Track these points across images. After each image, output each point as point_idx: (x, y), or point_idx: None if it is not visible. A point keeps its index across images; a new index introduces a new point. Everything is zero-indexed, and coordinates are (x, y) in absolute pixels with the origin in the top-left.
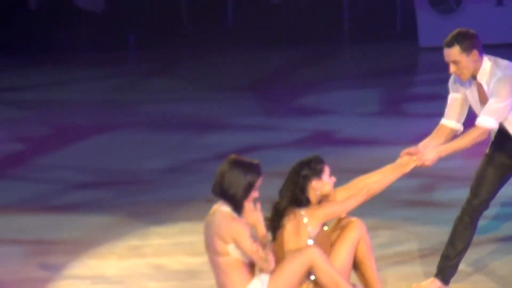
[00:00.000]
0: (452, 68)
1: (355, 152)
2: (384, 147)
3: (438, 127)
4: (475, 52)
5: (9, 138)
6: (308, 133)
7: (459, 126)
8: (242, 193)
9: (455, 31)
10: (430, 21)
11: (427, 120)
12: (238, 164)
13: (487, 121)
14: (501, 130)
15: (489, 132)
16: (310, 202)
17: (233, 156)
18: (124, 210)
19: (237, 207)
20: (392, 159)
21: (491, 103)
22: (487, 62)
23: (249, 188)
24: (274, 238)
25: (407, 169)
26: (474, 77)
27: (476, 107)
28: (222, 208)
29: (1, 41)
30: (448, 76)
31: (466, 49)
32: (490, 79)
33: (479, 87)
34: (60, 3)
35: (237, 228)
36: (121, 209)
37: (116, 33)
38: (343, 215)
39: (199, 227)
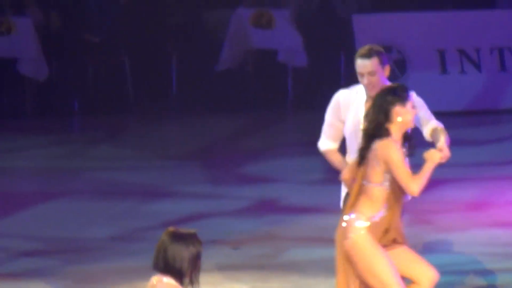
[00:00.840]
0: (367, 80)
1: (300, 220)
2: (330, 214)
3: (330, 152)
4: (387, 68)
5: None
6: (252, 201)
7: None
8: (189, 266)
9: (369, 46)
10: None
11: None
12: (178, 237)
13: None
14: None
15: None
16: (390, 134)
17: (170, 229)
18: (71, 279)
19: (183, 280)
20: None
21: (427, 111)
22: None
23: (195, 259)
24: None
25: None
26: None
27: (354, 131)
28: (166, 280)
29: None
30: None
31: (382, 62)
32: None
33: None
34: (2, 68)
35: None
36: (67, 278)
37: (60, 99)
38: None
39: None
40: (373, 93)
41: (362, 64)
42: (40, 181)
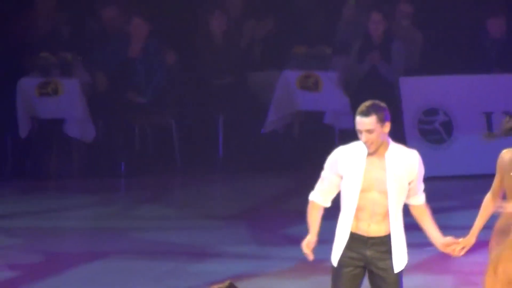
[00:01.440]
0: (365, 137)
1: None
2: None
3: (313, 206)
4: (387, 124)
5: (0, 266)
6: (296, 262)
7: (329, 204)
8: None
9: (370, 102)
10: (420, 152)
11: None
12: None
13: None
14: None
15: None
16: None
17: (228, 282)
18: None
19: None
20: None
21: (419, 185)
22: (391, 141)
23: None
24: None
25: None
26: (373, 153)
27: (353, 188)
28: None
29: None
30: None
31: (381, 120)
32: (402, 159)
33: (376, 166)
34: (51, 131)
35: None
36: None
37: (107, 160)
38: None
39: None
40: (372, 150)
41: (361, 122)
42: (86, 241)
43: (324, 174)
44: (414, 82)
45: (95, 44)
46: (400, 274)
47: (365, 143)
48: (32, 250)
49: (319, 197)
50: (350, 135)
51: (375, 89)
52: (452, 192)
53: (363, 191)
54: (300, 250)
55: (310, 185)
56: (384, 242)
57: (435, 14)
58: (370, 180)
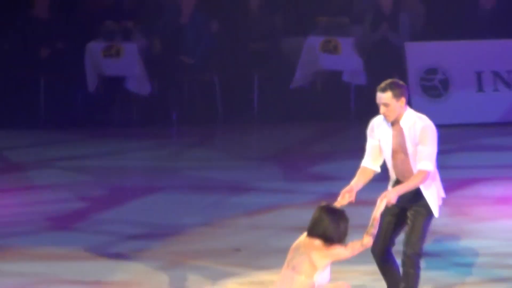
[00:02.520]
0: (382, 110)
1: (359, 210)
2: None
3: (360, 169)
4: (402, 99)
5: (73, 198)
6: (320, 195)
7: (378, 169)
8: (338, 234)
9: (389, 80)
10: (421, 104)
11: None
12: (333, 212)
13: (427, 165)
14: (398, 182)
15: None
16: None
17: (324, 204)
18: (167, 258)
19: (330, 244)
20: None
21: (423, 150)
22: (410, 111)
23: (344, 230)
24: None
25: (381, 208)
26: (394, 122)
27: (386, 150)
28: (316, 243)
29: (65, 119)
30: None
31: (397, 96)
32: (413, 125)
33: (398, 132)
34: (114, 87)
35: (332, 253)
36: (165, 258)
37: (161, 111)
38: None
39: (230, 270)
40: (390, 120)
41: (379, 96)
42: (145, 177)
43: (367, 141)
44: (417, 47)
45: (151, 14)
46: (428, 216)
47: (383, 114)
48: (100, 185)
49: (364, 160)
50: (364, 91)
51: (385, 52)
52: (449, 138)
53: (394, 153)
54: (322, 185)
55: (331, 132)
56: (414, 192)
57: None
58: (396, 144)
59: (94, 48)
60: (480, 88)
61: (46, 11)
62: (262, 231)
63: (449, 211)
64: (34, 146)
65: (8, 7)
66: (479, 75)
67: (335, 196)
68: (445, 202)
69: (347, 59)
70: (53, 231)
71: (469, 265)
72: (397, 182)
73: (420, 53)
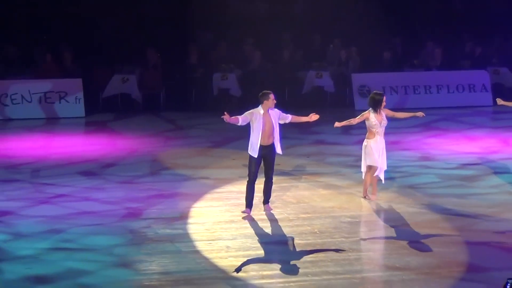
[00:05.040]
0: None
1: (332, 148)
2: None
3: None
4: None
5: None
6: (313, 140)
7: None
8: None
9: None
10: (360, 103)
11: None
12: (375, 93)
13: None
14: None
15: None
16: None
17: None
18: None
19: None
20: None
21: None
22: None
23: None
24: None
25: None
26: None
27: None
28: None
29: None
30: None
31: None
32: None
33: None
34: (225, 93)
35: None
36: None
37: (244, 105)
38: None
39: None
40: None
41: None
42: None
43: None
44: (357, 76)
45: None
46: None
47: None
48: (203, 145)
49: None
50: (332, 95)
51: (343, 78)
52: None
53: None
54: None
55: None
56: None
57: None
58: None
59: (216, 76)
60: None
61: None
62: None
63: None
64: (190, 118)
65: None
66: (383, 88)
67: (322, 140)
68: None
69: (327, 81)
70: (198, 156)
71: None
72: None
73: (359, 78)
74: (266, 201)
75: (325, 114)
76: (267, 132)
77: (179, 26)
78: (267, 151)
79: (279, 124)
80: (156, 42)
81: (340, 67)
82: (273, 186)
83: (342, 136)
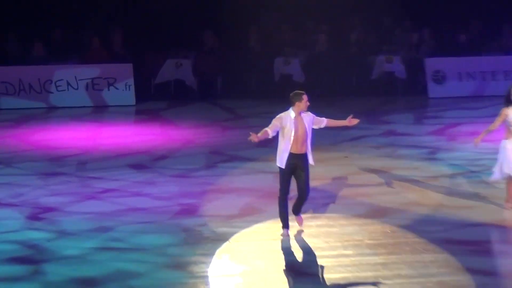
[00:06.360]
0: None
1: (405, 139)
2: None
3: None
4: None
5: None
6: (384, 130)
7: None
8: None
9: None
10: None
11: None
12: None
13: None
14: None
15: None
16: None
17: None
18: None
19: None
20: None
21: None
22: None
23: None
24: None
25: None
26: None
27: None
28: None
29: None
30: None
31: None
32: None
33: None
34: (287, 79)
35: None
36: None
37: (308, 92)
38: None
39: None
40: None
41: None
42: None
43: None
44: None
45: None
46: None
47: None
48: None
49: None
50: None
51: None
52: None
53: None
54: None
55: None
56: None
57: None
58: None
59: (278, 60)
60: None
61: None
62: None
63: None
64: (250, 106)
65: None
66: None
67: (393, 131)
68: None
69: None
70: (259, 147)
71: None
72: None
73: (433, 63)
74: (297, 212)
75: (396, 101)
76: (300, 138)
77: (240, 7)
78: (299, 161)
79: (312, 129)
80: (213, 24)
81: (412, 51)
82: (344, 181)
83: (415, 127)
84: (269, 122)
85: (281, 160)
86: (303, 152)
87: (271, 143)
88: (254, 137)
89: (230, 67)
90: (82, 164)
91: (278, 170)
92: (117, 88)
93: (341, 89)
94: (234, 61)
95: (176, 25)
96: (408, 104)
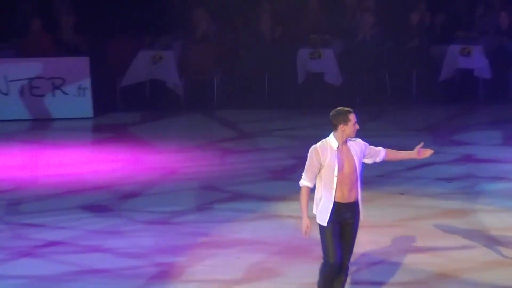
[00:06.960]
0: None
1: (488, 167)
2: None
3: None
4: None
5: (286, 157)
6: (459, 155)
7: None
8: None
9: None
10: None
11: None
12: None
13: None
14: None
15: None
16: None
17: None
18: None
19: None
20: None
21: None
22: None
23: None
24: None
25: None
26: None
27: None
28: None
29: (285, 101)
30: None
31: None
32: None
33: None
34: (317, 80)
35: None
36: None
37: (347, 99)
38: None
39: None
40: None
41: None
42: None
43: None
44: None
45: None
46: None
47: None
48: (304, 148)
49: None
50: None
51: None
52: None
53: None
54: (462, 148)
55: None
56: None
57: None
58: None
59: (303, 52)
60: None
61: None
62: (420, 180)
63: None
64: (260, 120)
65: None
66: None
67: (470, 156)
68: None
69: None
70: (274, 180)
71: None
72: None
73: None
74: None
75: (475, 112)
76: (347, 179)
77: None
78: (347, 213)
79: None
80: (208, 0)
81: (500, 39)
82: (397, 229)
83: (502, 150)
84: (287, 142)
85: (321, 215)
86: (352, 199)
87: (291, 174)
88: (308, 227)
89: (232, 62)
90: (14, 205)
91: (319, 228)
92: (66, 93)
93: (394, 94)
94: (237, 54)
95: (154, 1)
96: (493, 116)
